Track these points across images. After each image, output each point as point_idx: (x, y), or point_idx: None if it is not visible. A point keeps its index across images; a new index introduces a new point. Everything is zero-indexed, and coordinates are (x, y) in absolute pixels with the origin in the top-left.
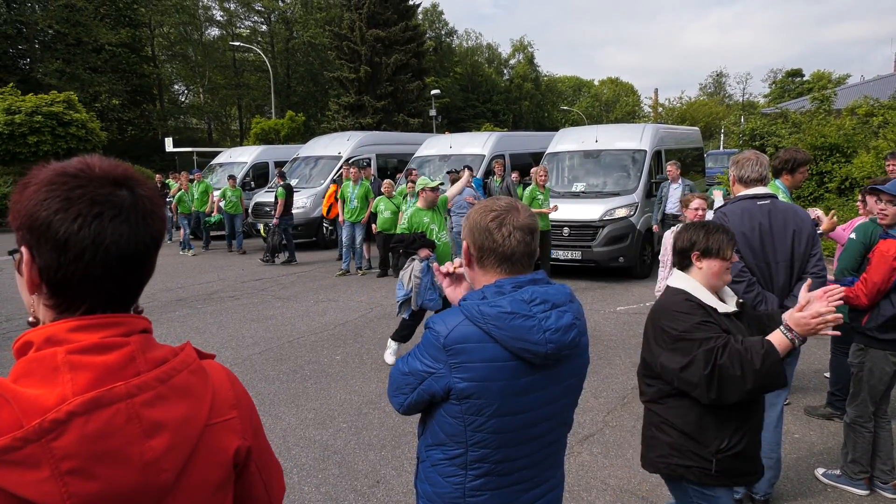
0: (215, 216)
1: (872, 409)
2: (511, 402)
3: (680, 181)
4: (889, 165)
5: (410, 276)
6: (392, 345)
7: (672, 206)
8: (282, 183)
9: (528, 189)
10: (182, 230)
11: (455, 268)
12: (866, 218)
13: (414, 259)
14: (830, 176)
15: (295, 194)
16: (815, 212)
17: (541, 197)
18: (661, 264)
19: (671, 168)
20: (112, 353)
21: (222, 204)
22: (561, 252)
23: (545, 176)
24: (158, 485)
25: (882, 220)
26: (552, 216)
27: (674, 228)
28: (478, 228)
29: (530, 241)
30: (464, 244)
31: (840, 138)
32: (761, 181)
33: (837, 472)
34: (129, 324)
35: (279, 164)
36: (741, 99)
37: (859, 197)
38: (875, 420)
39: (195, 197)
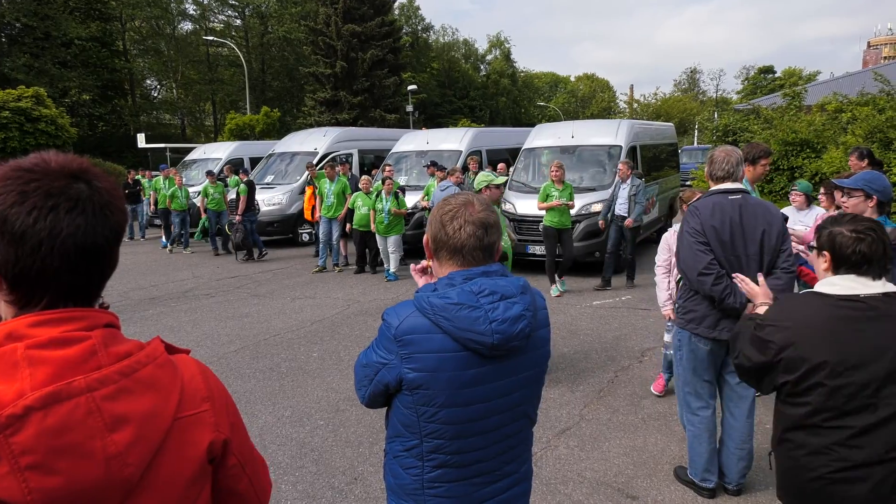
0: (203, 218)
1: None
2: (460, 393)
3: (630, 180)
4: (851, 161)
5: None
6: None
7: (621, 205)
8: (245, 179)
9: (544, 185)
10: (173, 227)
11: (428, 264)
12: (832, 211)
13: None
14: (801, 171)
15: (271, 191)
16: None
17: (555, 193)
18: (659, 270)
19: (622, 167)
20: (72, 347)
21: (206, 202)
22: (538, 247)
23: (558, 171)
24: (123, 479)
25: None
26: (526, 211)
27: (673, 229)
28: (434, 221)
29: (482, 234)
30: (424, 237)
31: (810, 134)
32: (730, 178)
33: None
34: (92, 318)
35: (254, 161)
36: (714, 95)
37: (822, 190)
38: None
39: (167, 194)
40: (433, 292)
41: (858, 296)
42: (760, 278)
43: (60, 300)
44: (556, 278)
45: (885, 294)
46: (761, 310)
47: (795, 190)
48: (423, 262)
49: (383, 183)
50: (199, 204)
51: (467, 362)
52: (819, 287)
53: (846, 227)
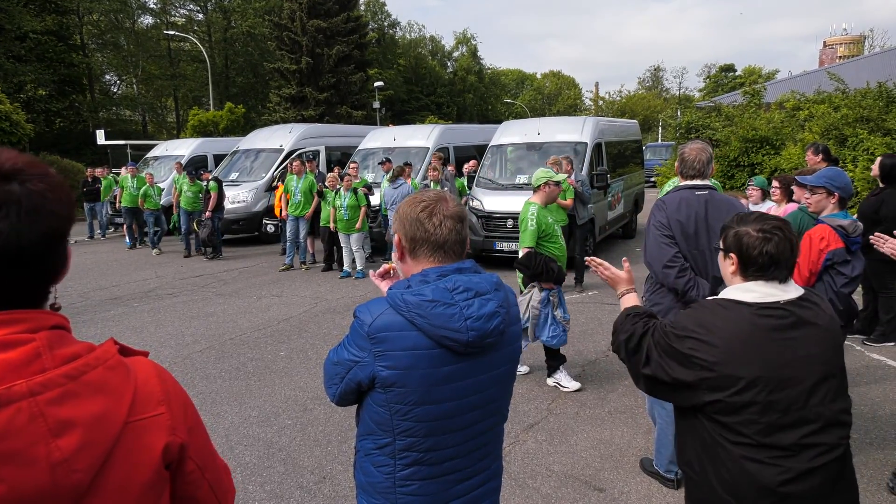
0: (174, 215)
1: None
2: (434, 390)
3: (572, 175)
4: (808, 156)
5: (528, 306)
6: (559, 373)
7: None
8: (211, 177)
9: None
10: (149, 227)
11: (391, 267)
12: (784, 206)
13: (534, 286)
14: (761, 167)
15: (235, 188)
16: None
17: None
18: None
19: (565, 163)
20: (13, 350)
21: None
22: (505, 243)
23: (553, 166)
24: (71, 486)
25: (811, 209)
26: (493, 207)
27: None
28: (409, 220)
29: (461, 228)
30: (395, 237)
31: (769, 131)
32: (700, 175)
33: None
34: (36, 320)
35: (218, 158)
36: (678, 93)
37: (774, 184)
38: None
39: (132, 193)
40: (407, 289)
41: (779, 302)
42: (626, 264)
43: (10, 301)
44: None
45: (800, 298)
46: (628, 299)
47: (752, 185)
48: (385, 266)
49: (342, 179)
50: (171, 198)
51: (441, 360)
52: (733, 294)
53: (752, 227)
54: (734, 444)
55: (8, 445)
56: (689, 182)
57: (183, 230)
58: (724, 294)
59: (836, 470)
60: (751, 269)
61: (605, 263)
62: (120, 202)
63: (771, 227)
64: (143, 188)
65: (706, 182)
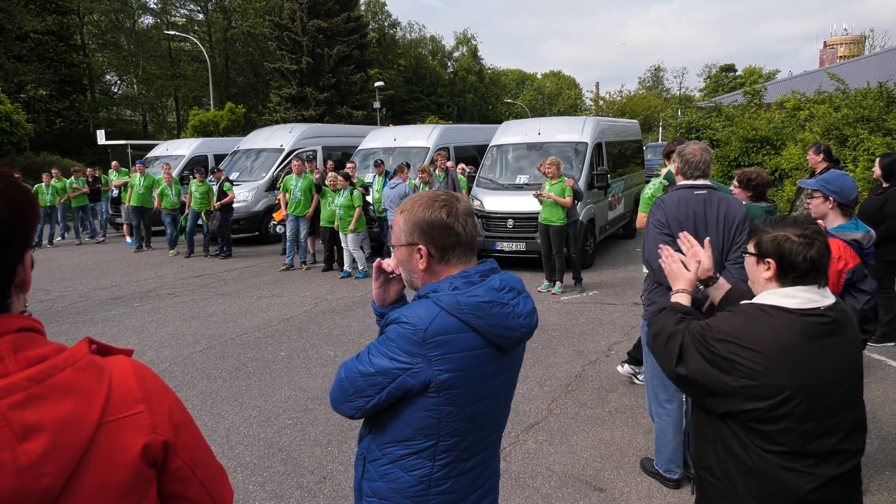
0: (183, 216)
1: None
2: (482, 388)
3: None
4: (809, 155)
5: None
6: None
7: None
8: (223, 177)
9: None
10: (166, 227)
11: (395, 268)
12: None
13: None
14: (761, 167)
15: (236, 188)
16: None
17: (547, 187)
18: None
19: (553, 168)
20: None
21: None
22: (506, 243)
23: (549, 167)
24: (40, 490)
25: (812, 215)
26: (493, 207)
27: None
28: (436, 226)
29: (476, 224)
30: (420, 249)
31: (770, 131)
32: (703, 176)
33: None
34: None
35: (219, 158)
36: (678, 93)
37: (734, 184)
38: None
39: (140, 192)
40: (455, 291)
41: (819, 308)
42: (704, 256)
43: None
44: (555, 278)
45: (836, 303)
46: (677, 298)
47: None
48: (391, 263)
49: (347, 178)
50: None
51: (489, 358)
52: (773, 299)
53: (792, 232)
54: (767, 451)
55: None
56: (688, 182)
57: (188, 230)
58: (763, 300)
59: (855, 474)
60: (791, 275)
61: (675, 256)
62: (129, 202)
63: (812, 231)
64: (162, 187)
65: (706, 182)
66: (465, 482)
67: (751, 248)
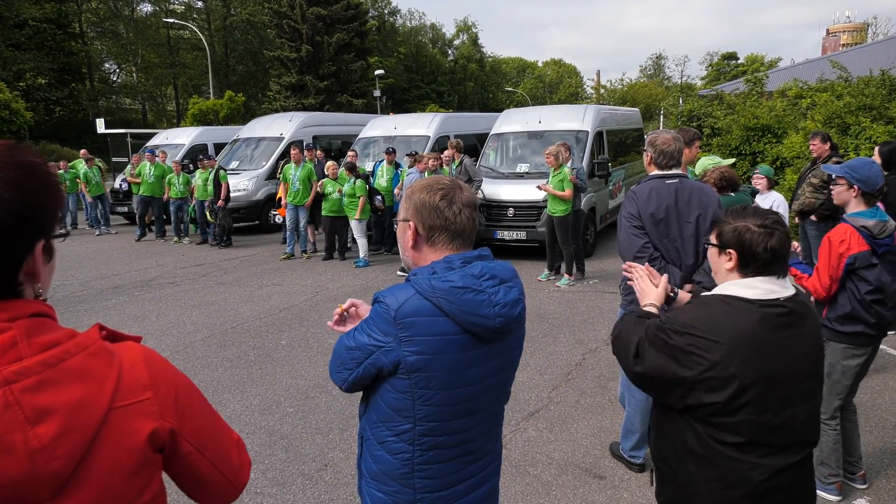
0: (191, 206)
1: (837, 405)
2: (458, 375)
3: (570, 162)
4: (811, 145)
5: None
6: None
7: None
8: (217, 165)
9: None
10: (172, 216)
11: (345, 309)
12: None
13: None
14: (763, 156)
15: (236, 177)
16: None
17: (549, 178)
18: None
19: (564, 151)
20: None
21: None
22: (506, 232)
23: (547, 156)
24: (51, 473)
25: (835, 202)
26: (494, 196)
27: None
28: (427, 207)
29: (476, 216)
30: (410, 225)
31: (772, 119)
32: (675, 166)
33: None
34: (14, 309)
35: (219, 146)
36: (679, 81)
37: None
38: (840, 414)
39: (150, 182)
40: (433, 275)
41: (778, 299)
42: (664, 280)
43: None
44: (557, 269)
45: (795, 295)
46: (648, 310)
47: (758, 174)
48: (339, 310)
49: (353, 169)
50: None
51: (465, 345)
52: (734, 290)
53: (752, 222)
54: (724, 443)
55: None
56: (660, 171)
57: (199, 219)
58: (723, 290)
59: (808, 462)
60: (752, 266)
61: (644, 275)
62: (140, 191)
63: (772, 221)
64: (169, 177)
65: (677, 171)
66: (450, 468)
67: (713, 238)
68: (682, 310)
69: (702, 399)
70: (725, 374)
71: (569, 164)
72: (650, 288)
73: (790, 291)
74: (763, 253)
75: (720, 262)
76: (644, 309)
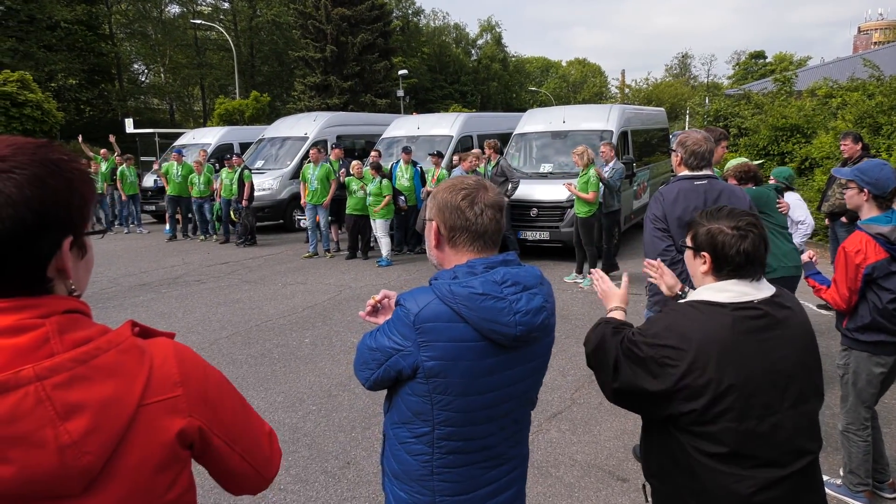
0: (216, 204)
1: (865, 415)
2: (477, 382)
3: (612, 163)
4: (843, 145)
5: None
6: None
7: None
8: (243, 164)
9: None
10: (194, 215)
11: (378, 300)
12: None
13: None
14: (791, 156)
15: (261, 176)
16: (808, 253)
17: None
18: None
19: (605, 148)
20: (23, 335)
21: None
22: (529, 232)
23: (573, 155)
24: (81, 468)
25: (848, 206)
26: (516, 196)
27: None
28: (449, 207)
29: (500, 218)
30: (433, 224)
31: (800, 119)
32: (706, 167)
33: (838, 481)
34: (48, 305)
35: (244, 146)
36: (706, 80)
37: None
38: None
39: (177, 181)
40: (454, 280)
41: (753, 302)
42: (625, 279)
43: (10, 290)
44: (585, 270)
45: (773, 296)
46: (615, 314)
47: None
48: (372, 301)
49: (378, 169)
50: (216, 187)
51: (485, 352)
52: (706, 294)
53: (725, 224)
54: (709, 455)
55: (16, 429)
56: (689, 172)
57: (224, 218)
58: (696, 295)
59: (809, 474)
60: (726, 269)
61: (605, 277)
62: (168, 191)
63: (745, 223)
64: (190, 176)
65: (706, 171)
66: (470, 473)
67: (688, 241)
68: (653, 320)
69: (680, 409)
70: (701, 382)
71: (611, 164)
72: (612, 290)
73: (766, 293)
74: (736, 255)
75: (696, 265)
76: (609, 315)
